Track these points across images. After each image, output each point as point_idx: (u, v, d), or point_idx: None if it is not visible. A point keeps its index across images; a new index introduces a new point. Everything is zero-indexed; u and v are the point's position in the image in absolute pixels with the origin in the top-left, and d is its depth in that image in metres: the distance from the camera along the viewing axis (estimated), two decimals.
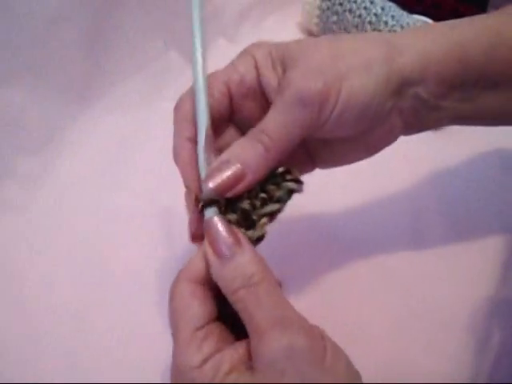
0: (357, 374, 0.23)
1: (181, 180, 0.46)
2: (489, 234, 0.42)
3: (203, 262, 0.25)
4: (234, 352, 0.23)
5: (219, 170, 0.25)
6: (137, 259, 0.41)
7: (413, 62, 0.27)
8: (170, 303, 0.25)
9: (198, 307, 0.24)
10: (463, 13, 0.55)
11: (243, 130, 0.28)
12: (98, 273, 0.40)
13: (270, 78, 0.27)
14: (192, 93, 0.27)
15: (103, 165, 0.47)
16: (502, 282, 0.40)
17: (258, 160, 0.25)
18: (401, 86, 0.27)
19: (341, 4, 0.54)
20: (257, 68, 0.27)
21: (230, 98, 0.28)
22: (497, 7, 0.60)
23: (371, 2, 0.52)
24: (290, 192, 0.27)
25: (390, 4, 0.52)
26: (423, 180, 0.45)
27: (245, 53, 0.28)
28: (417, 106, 0.28)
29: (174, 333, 0.24)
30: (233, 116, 0.29)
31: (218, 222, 0.24)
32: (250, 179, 0.25)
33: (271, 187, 0.26)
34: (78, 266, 0.40)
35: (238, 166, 0.24)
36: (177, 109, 0.28)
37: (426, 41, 0.28)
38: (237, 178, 0.24)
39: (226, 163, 0.25)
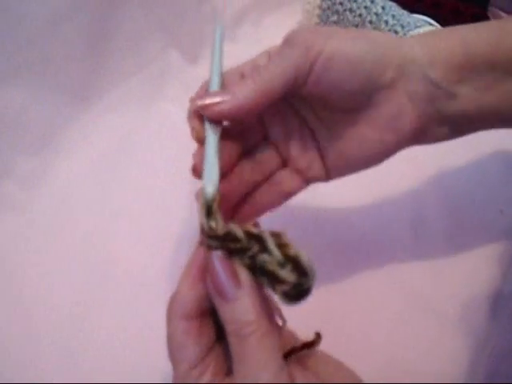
0: None
1: (181, 180, 0.46)
2: (490, 232, 0.42)
3: (193, 290, 0.25)
4: None
5: (211, 94, 0.27)
6: (137, 258, 0.41)
7: (418, 50, 0.28)
8: (167, 338, 0.25)
9: (191, 347, 0.24)
10: (463, 12, 0.55)
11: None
12: (98, 272, 0.40)
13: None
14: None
15: (103, 164, 0.47)
16: (502, 281, 0.40)
17: (243, 88, 0.26)
18: (404, 63, 0.27)
19: (341, 3, 0.54)
20: (269, 54, 0.30)
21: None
22: (497, 7, 0.60)
23: (372, 2, 0.52)
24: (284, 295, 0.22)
25: (391, 3, 0.52)
26: (425, 177, 0.45)
27: (264, 51, 0.31)
28: (431, 90, 0.28)
29: (172, 365, 0.25)
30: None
31: (218, 262, 0.23)
32: (230, 104, 0.26)
33: (276, 266, 0.22)
34: (78, 266, 0.40)
35: (226, 93, 0.27)
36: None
37: (429, 38, 0.29)
38: (219, 102, 0.26)
39: (220, 92, 0.27)
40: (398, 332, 0.37)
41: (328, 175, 0.31)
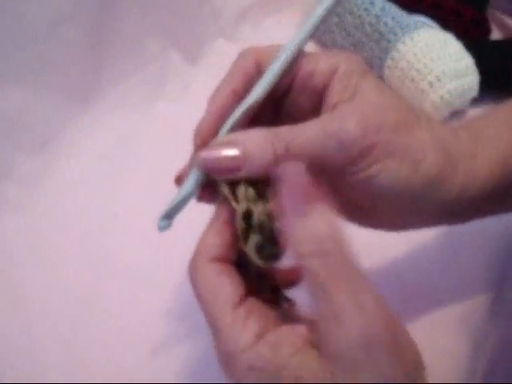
0: (421, 363, 0.22)
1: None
2: (489, 233, 0.42)
3: (220, 236, 0.24)
4: (292, 331, 0.21)
5: (221, 146, 0.23)
6: (137, 258, 0.41)
7: (457, 186, 0.26)
8: (196, 292, 0.23)
9: (229, 285, 0.22)
10: (463, 13, 0.55)
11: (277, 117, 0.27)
12: (97, 273, 0.40)
13: (334, 94, 0.25)
14: (264, 52, 0.26)
15: (103, 164, 0.47)
16: (501, 281, 0.40)
17: (261, 163, 0.23)
18: (438, 194, 0.26)
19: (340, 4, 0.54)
20: (332, 74, 0.25)
21: (291, 83, 0.26)
22: (496, 8, 0.60)
23: (371, 3, 0.52)
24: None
25: (390, 4, 0.52)
26: None
27: (336, 54, 0.26)
28: (447, 209, 0.27)
29: (211, 322, 0.22)
30: (281, 100, 0.27)
31: (303, 170, 0.21)
32: (241, 174, 0.23)
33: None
34: (78, 266, 0.40)
35: (240, 156, 0.23)
36: (242, 57, 0.26)
37: (474, 155, 0.26)
38: (229, 167, 0.23)
39: (232, 143, 0.23)
40: None
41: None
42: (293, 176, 0.21)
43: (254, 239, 0.22)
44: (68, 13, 0.44)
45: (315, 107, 0.26)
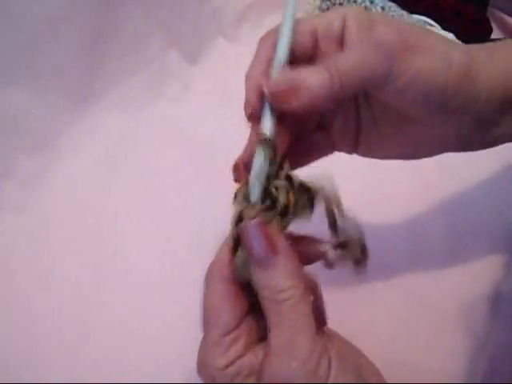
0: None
1: (181, 179, 0.46)
2: (489, 233, 0.42)
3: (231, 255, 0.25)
4: (254, 357, 0.24)
5: (279, 81, 0.25)
6: (137, 257, 0.41)
7: (483, 79, 0.27)
8: (203, 302, 0.26)
9: (228, 312, 0.25)
10: (463, 13, 0.55)
11: None
12: (98, 273, 0.40)
13: (354, 31, 0.27)
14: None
15: (103, 164, 0.47)
16: (502, 281, 0.40)
17: (319, 83, 0.25)
18: (469, 95, 0.27)
19: (341, 4, 0.54)
20: (345, 20, 0.27)
21: (315, 41, 0.28)
22: (496, 8, 0.60)
23: (371, 2, 0.52)
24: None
25: (390, 4, 0.52)
26: (424, 179, 0.45)
27: (336, 8, 0.29)
28: (478, 119, 0.28)
29: (204, 331, 0.25)
30: (315, 60, 0.28)
31: (254, 230, 0.24)
32: (304, 98, 0.25)
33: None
34: (78, 266, 0.40)
35: (298, 83, 0.25)
36: (262, 38, 0.28)
37: (498, 60, 0.28)
38: (293, 93, 0.25)
39: (289, 78, 0.25)
40: (398, 331, 0.37)
41: (356, 152, 0.32)
42: (254, 233, 0.24)
43: (242, 254, 0.24)
44: (68, 12, 0.44)
45: None
